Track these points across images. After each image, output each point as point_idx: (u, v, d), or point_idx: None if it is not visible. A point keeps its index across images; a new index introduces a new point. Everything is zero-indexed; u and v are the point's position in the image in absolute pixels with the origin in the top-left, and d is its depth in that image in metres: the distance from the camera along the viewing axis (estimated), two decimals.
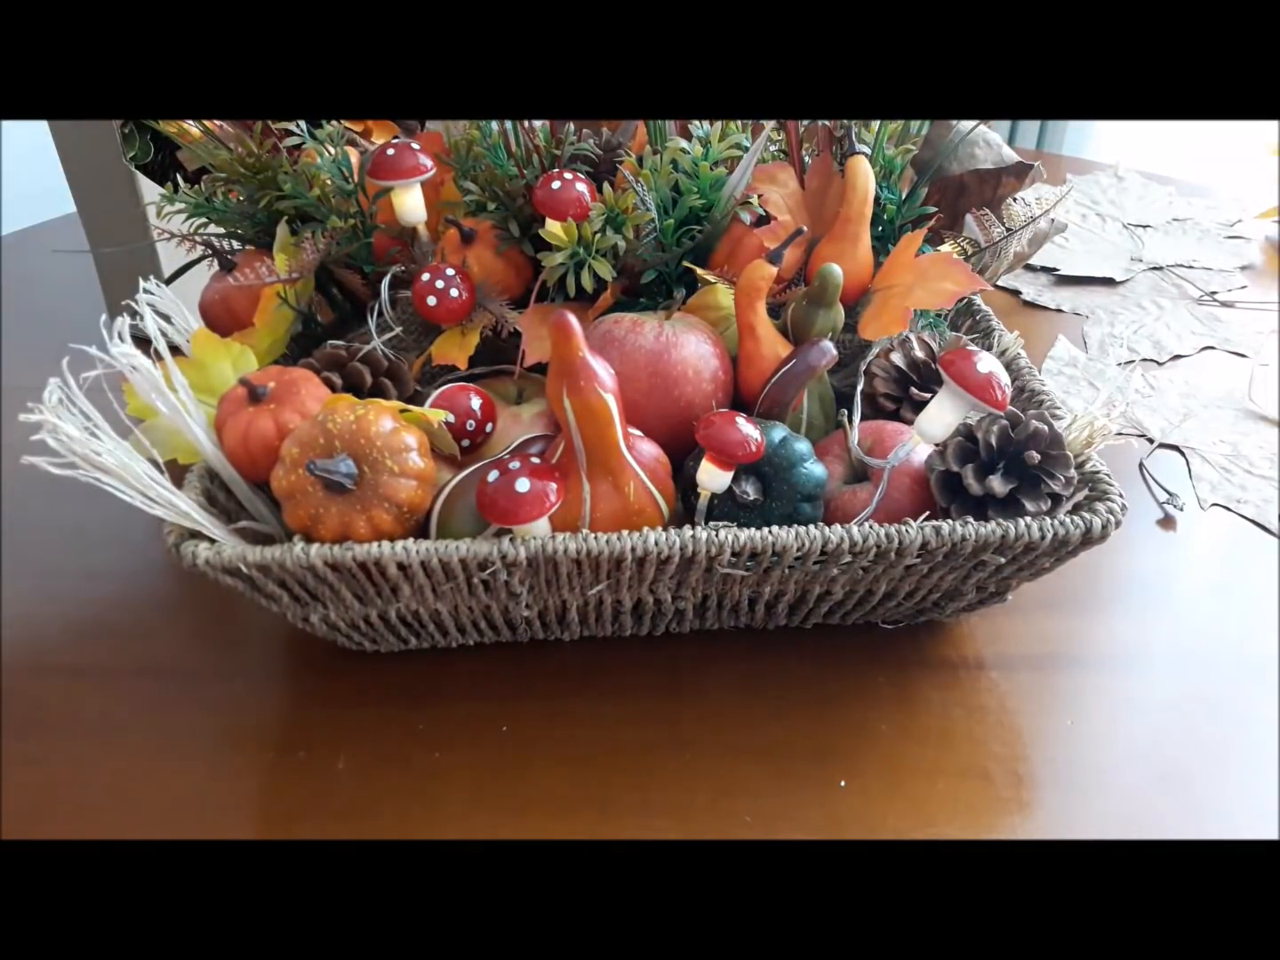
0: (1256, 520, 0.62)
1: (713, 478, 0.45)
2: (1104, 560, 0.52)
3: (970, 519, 0.44)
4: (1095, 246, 0.97)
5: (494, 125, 0.56)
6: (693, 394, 0.50)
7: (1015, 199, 0.64)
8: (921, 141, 0.62)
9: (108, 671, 0.51)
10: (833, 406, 0.54)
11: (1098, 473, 0.47)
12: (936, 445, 0.47)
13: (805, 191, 0.58)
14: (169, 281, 0.54)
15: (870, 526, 0.43)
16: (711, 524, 0.44)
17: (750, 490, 0.46)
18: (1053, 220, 0.67)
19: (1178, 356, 0.80)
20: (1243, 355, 0.80)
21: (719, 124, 0.57)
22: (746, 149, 0.56)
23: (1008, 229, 0.63)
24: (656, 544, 0.42)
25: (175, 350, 0.48)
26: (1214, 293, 0.89)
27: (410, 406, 0.46)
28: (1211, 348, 0.81)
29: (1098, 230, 1.01)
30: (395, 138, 0.60)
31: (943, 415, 0.45)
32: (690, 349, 0.50)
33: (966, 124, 0.64)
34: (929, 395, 0.52)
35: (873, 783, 0.45)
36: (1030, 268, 0.93)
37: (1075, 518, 0.44)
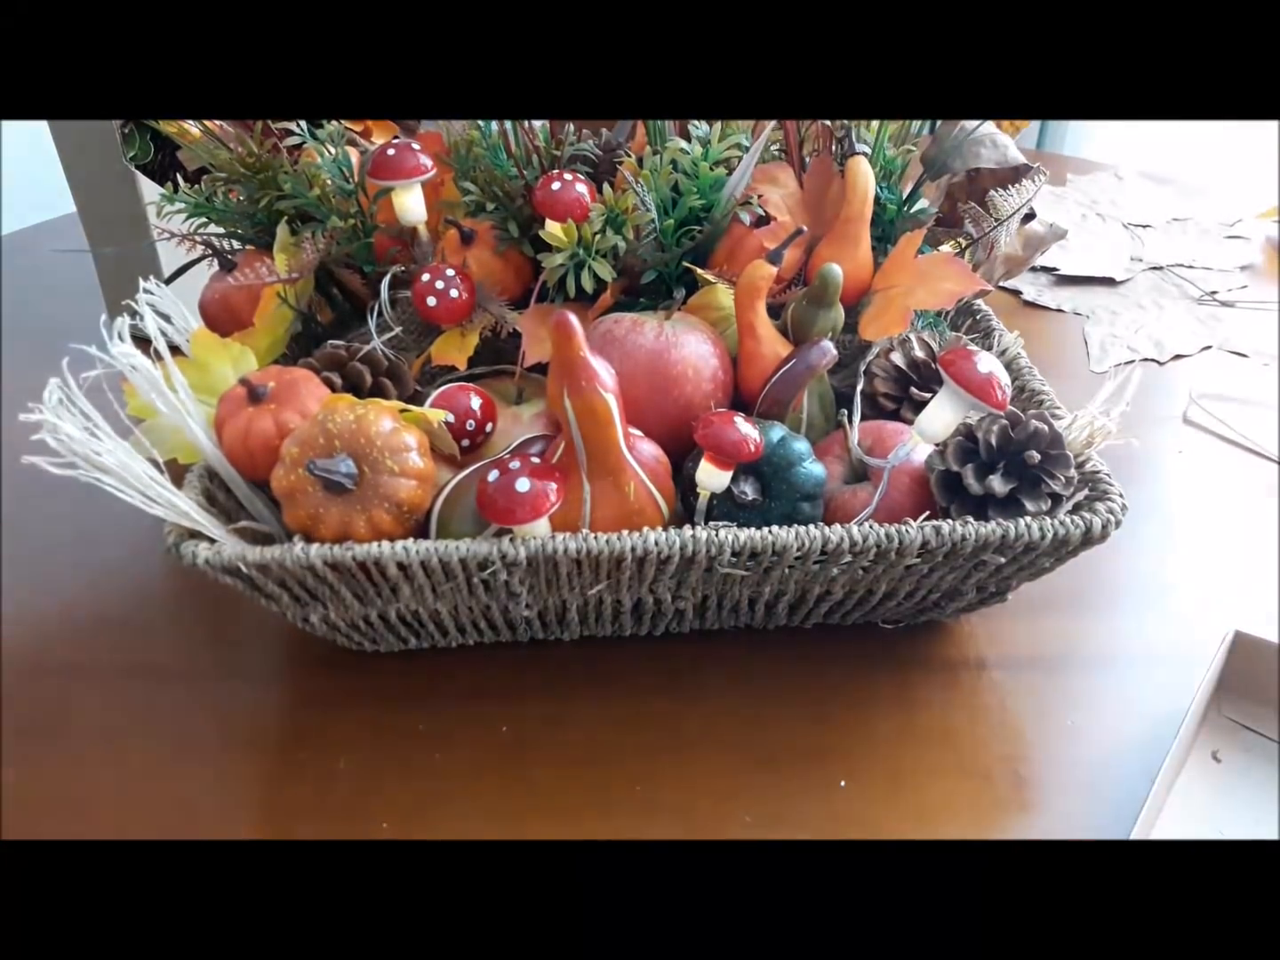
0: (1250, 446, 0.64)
1: (712, 478, 0.45)
2: (1104, 560, 0.52)
3: (970, 519, 0.44)
4: (1095, 246, 0.97)
5: (494, 125, 0.56)
6: (693, 394, 0.50)
7: (996, 190, 0.64)
8: (929, 140, 0.62)
9: (108, 671, 0.51)
10: (833, 406, 0.54)
11: (1098, 473, 0.47)
12: (936, 445, 0.47)
13: (805, 191, 0.58)
14: (169, 281, 0.54)
15: (870, 526, 0.43)
16: (711, 524, 0.44)
17: (749, 490, 0.45)
18: (1051, 225, 0.67)
19: (1179, 356, 0.80)
20: (1243, 355, 0.80)
21: (719, 124, 0.57)
22: (746, 149, 0.56)
23: (996, 220, 0.63)
24: (656, 544, 0.42)
25: (175, 350, 0.48)
26: (1214, 292, 0.89)
27: (410, 406, 0.46)
28: (1209, 347, 0.81)
29: (1098, 230, 1.01)
30: (395, 138, 0.60)
31: (943, 415, 0.45)
32: (690, 349, 0.50)
33: (973, 122, 0.64)
34: (929, 395, 0.52)
35: (873, 783, 0.45)
36: (1031, 268, 0.93)
37: (1075, 518, 0.44)
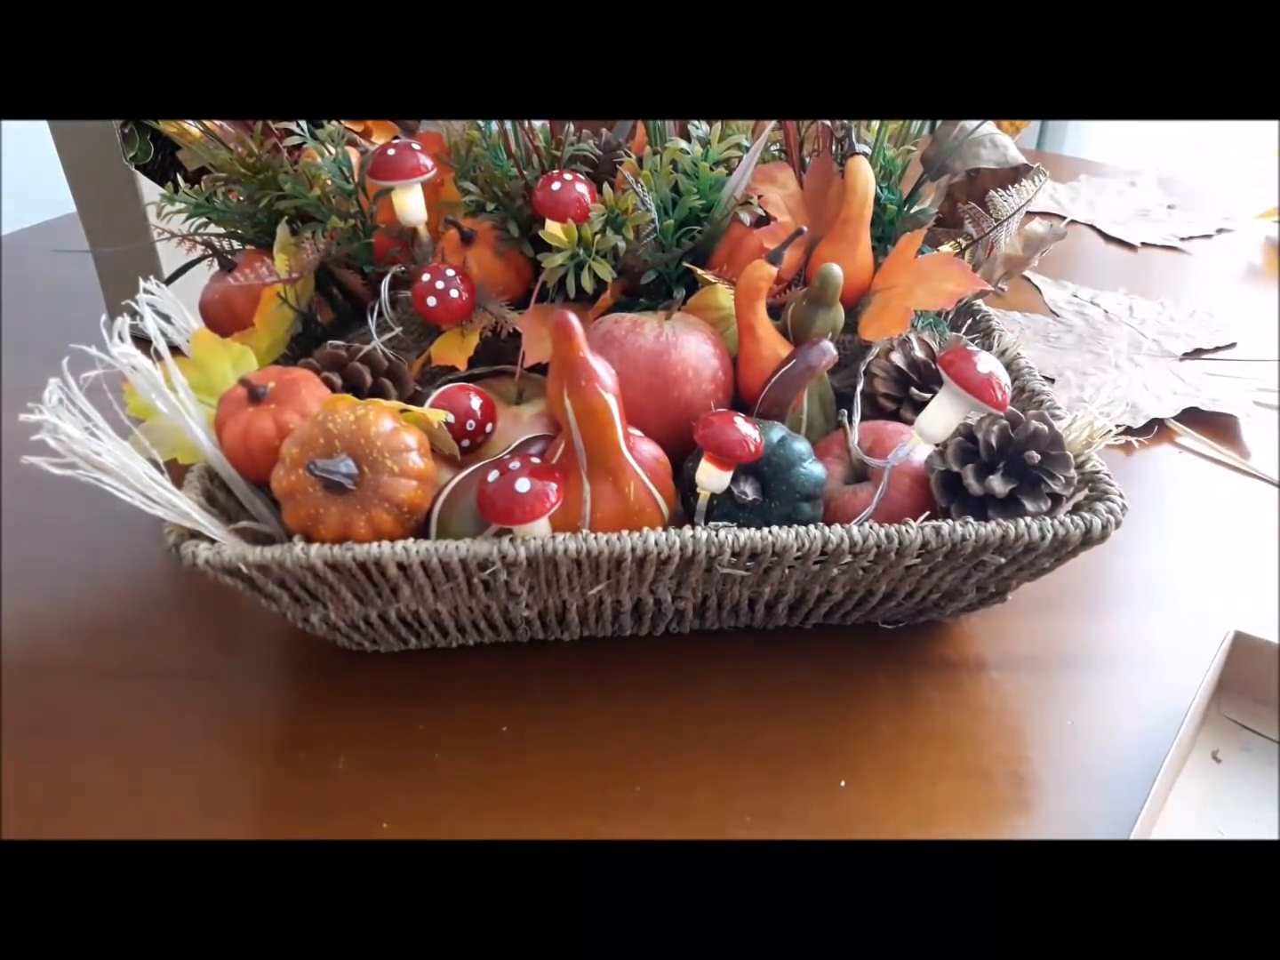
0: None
1: (712, 478, 0.45)
2: (1104, 560, 0.52)
3: (970, 519, 0.44)
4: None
5: (494, 125, 0.56)
6: (692, 394, 0.50)
7: (996, 190, 0.64)
8: (929, 140, 0.62)
9: (108, 671, 0.51)
10: (833, 406, 0.54)
11: (1098, 473, 0.47)
12: (936, 445, 0.47)
13: (805, 192, 0.58)
14: (169, 281, 0.54)
15: (870, 526, 0.43)
16: (711, 524, 0.44)
17: (749, 490, 0.45)
18: (1051, 225, 0.67)
19: (1156, 421, 0.71)
20: (1229, 415, 0.71)
21: (719, 124, 0.57)
22: (746, 149, 0.56)
23: (996, 221, 0.63)
24: (656, 544, 0.42)
25: (175, 350, 0.48)
26: (1199, 350, 0.80)
27: (410, 406, 0.46)
28: (1197, 408, 0.72)
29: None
30: (395, 138, 0.60)
31: (943, 415, 0.45)
32: (690, 349, 0.50)
33: (973, 122, 0.64)
34: (929, 395, 0.52)
35: (873, 783, 0.45)
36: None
37: (1075, 518, 0.44)
